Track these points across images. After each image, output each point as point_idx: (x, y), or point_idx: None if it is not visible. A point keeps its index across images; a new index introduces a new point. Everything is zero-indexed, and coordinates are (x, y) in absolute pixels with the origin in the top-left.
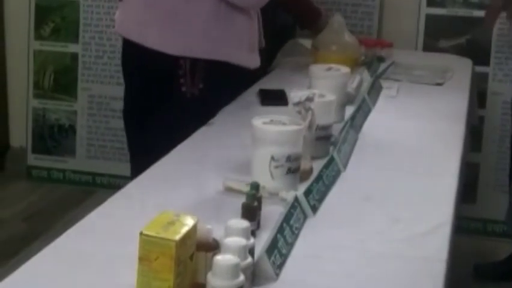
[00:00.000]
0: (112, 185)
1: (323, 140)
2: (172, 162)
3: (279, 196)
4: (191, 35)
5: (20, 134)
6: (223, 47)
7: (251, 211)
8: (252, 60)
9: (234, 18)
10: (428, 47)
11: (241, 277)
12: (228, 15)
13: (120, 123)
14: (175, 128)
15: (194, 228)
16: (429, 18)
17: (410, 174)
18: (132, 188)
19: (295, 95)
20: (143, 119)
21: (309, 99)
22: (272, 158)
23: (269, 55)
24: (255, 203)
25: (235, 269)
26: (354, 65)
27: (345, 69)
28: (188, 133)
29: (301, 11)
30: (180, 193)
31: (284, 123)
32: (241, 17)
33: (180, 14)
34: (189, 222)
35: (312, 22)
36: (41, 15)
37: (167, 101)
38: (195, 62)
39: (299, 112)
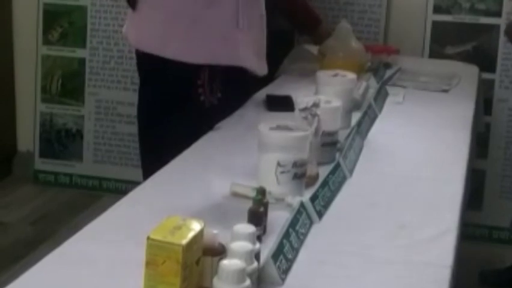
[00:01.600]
0: (119, 189)
1: (329, 146)
2: (178, 167)
3: (285, 201)
4: (212, 41)
5: (27, 138)
6: (242, 52)
7: (257, 216)
8: (261, 68)
9: (250, 24)
10: (435, 54)
11: (247, 282)
12: (245, 21)
13: (127, 128)
14: (194, 137)
15: (200, 233)
16: (435, 24)
17: (415, 181)
18: (139, 192)
19: (301, 100)
20: (160, 127)
21: (316, 105)
22: (278, 164)
23: (270, 60)
24: (261, 208)
25: (241, 274)
26: (361, 71)
27: (351, 76)
28: None
29: (300, 18)
30: (187, 198)
31: (290, 129)
32: (256, 24)
33: (201, 21)
34: (196, 227)
35: (311, 29)
36: (49, 20)
37: (185, 111)
38: (213, 72)
39: (305, 118)
